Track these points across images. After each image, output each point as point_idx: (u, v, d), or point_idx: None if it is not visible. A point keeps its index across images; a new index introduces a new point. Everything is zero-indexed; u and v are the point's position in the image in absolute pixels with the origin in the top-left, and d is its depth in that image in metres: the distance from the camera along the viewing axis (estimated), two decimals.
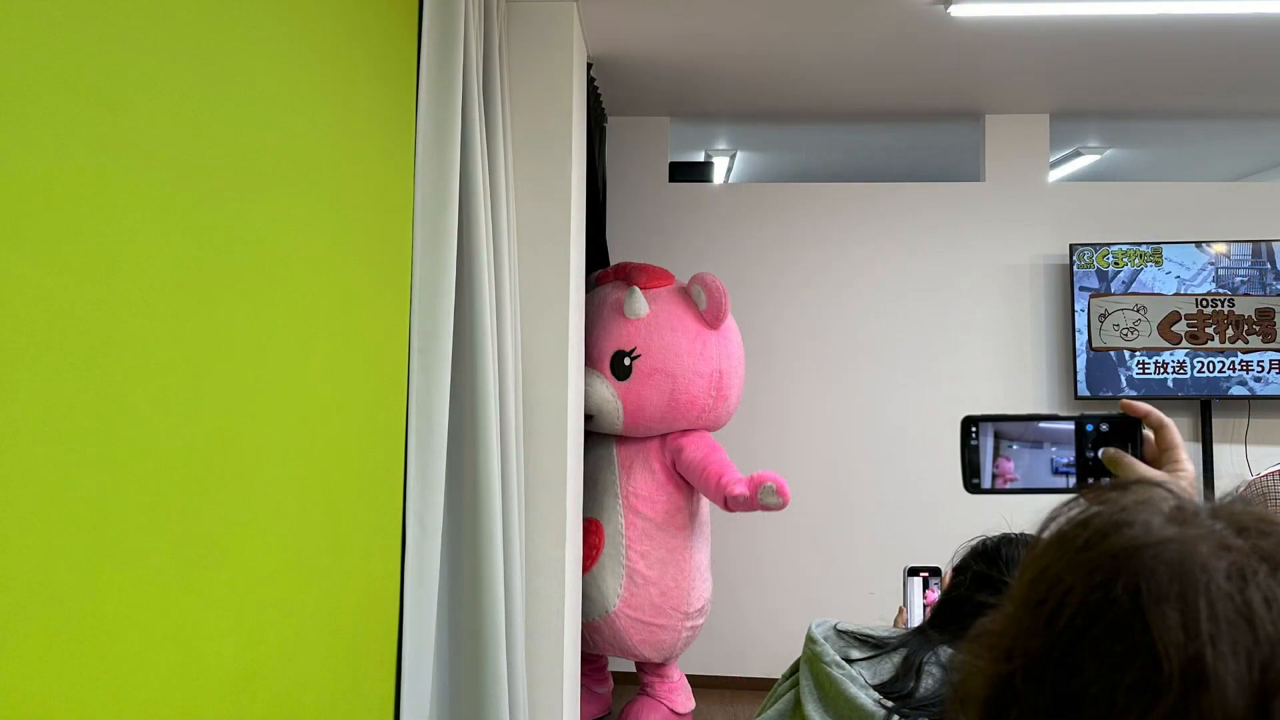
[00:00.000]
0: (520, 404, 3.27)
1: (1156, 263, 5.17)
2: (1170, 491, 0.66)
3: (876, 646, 1.63)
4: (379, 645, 2.37)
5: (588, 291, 4.59)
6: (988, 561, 1.68)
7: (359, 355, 2.22)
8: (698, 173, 6.17)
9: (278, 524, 1.81)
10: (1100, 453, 1.13)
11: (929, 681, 1.54)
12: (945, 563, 1.78)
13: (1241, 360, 5.05)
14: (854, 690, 1.53)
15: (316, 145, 1.99)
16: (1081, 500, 0.68)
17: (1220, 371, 5.06)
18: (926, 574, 2.31)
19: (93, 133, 1.25)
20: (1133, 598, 0.58)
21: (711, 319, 4.41)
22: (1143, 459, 1.11)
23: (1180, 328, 5.11)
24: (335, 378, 2.08)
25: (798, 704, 1.62)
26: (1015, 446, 1.17)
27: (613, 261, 5.13)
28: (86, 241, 1.24)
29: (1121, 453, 1.11)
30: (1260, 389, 5.03)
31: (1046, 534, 0.67)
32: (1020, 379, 5.40)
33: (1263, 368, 5.03)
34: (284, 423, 1.83)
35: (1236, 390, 5.04)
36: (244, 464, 1.67)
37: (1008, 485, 1.17)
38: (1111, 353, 5.14)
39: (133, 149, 1.34)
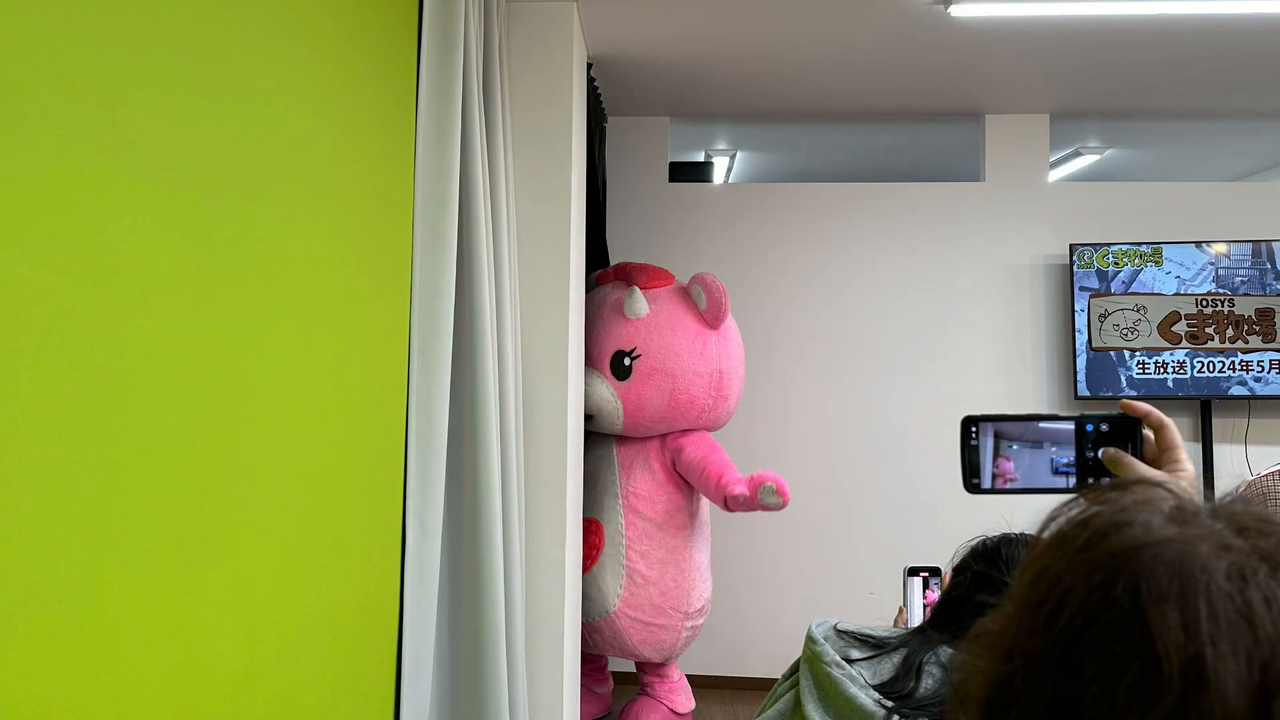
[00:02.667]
0: (520, 404, 3.27)
1: (1156, 263, 5.16)
2: (1170, 491, 0.66)
3: (876, 646, 1.63)
4: (379, 645, 2.37)
5: (588, 291, 4.60)
6: (988, 561, 1.68)
7: (359, 355, 2.22)
8: (698, 173, 6.16)
9: (278, 524, 1.81)
10: (1100, 453, 1.13)
11: (929, 681, 1.54)
12: (945, 563, 1.78)
13: (1241, 360, 5.05)
14: (854, 690, 1.53)
15: (317, 145, 1.99)
16: (1081, 500, 0.68)
17: (1220, 371, 5.06)
18: (926, 574, 2.31)
19: (93, 133, 1.25)
20: (1133, 598, 0.58)
21: (711, 319, 4.41)
22: (1143, 459, 1.11)
23: (1180, 328, 5.11)
24: (335, 378, 2.08)
25: (798, 704, 1.62)
26: (1015, 446, 1.17)
27: (613, 261, 5.14)
28: (86, 241, 1.24)
29: (1121, 453, 1.11)
30: (1260, 389, 5.03)
31: (1046, 534, 0.67)
32: (1020, 379, 5.40)
33: (1263, 368, 5.03)
34: (284, 422, 1.83)
35: (1236, 390, 5.04)
36: (244, 464, 1.67)
37: (1008, 485, 1.17)
38: (1111, 353, 5.14)
39: (133, 149, 1.34)
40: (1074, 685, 0.58)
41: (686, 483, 4.45)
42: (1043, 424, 1.17)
